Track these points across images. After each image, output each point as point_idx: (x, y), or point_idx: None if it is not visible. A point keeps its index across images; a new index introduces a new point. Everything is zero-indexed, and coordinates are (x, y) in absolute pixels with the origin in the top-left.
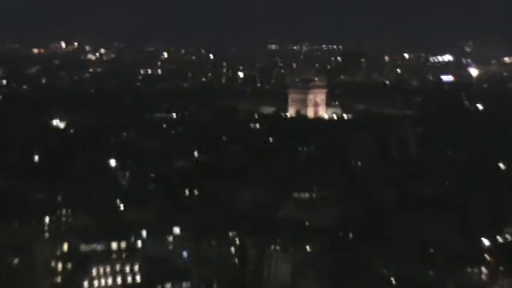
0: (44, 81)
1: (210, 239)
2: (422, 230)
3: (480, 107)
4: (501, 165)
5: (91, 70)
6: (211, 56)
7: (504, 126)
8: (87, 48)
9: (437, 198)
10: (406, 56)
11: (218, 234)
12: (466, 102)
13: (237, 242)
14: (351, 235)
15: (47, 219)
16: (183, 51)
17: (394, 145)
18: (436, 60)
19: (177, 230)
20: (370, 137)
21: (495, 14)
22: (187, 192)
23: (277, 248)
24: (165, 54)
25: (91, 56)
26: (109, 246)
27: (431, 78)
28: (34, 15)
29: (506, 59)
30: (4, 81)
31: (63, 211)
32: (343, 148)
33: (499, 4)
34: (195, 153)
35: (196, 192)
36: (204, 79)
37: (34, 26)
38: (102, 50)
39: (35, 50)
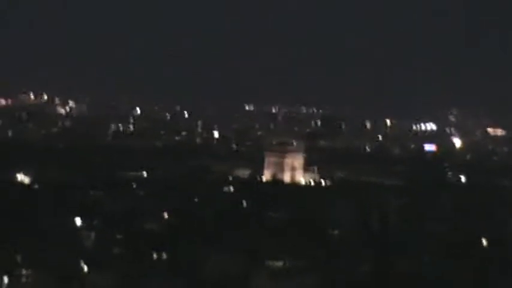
0: (10, 134)
1: None
2: None
3: (463, 179)
4: (483, 242)
5: (60, 124)
6: (186, 115)
7: (487, 201)
8: (57, 101)
9: (416, 274)
10: (388, 122)
11: None
12: (449, 174)
13: None
14: None
15: (5, 280)
16: (156, 107)
17: (374, 216)
18: (419, 128)
19: None
20: (348, 206)
21: (481, 83)
22: (155, 256)
23: None
24: (138, 110)
25: (60, 109)
26: None
27: (413, 146)
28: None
29: (491, 130)
30: None
31: (23, 272)
32: (320, 216)
33: (485, 74)
34: (165, 215)
35: (164, 256)
36: (177, 138)
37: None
38: (72, 104)
39: (1, 101)
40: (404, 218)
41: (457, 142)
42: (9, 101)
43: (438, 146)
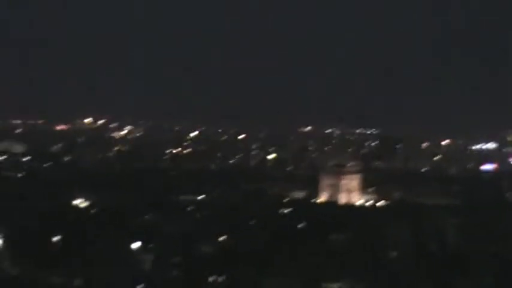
0: (67, 158)
1: None
2: None
3: None
4: None
5: (116, 148)
6: (241, 137)
7: None
8: (113, 125)
9: None
10: (445, 143)
11: None
12: (508, 193)
13: None
14: None
15: None
16: (211, 130)
17: (432, 236)
18: (476, 148)
19: None
20: (405, 227)
21: None
22: (212, 279)
23: None
24: (194, 134)
25: (117, 134)
26: None
27: (471, 166)
28: (58, 91)
29: None
30: (26, 158)
31: None
32: (377, 237)
33: None
34: (221, 238)
35: (221, 279)
36: (232, 160)
37: (58, 101)
38: (128, 128)
39: (59, 127)
40: (463, 238)
41: None
42: (66, 127)
43: (496, 165)
